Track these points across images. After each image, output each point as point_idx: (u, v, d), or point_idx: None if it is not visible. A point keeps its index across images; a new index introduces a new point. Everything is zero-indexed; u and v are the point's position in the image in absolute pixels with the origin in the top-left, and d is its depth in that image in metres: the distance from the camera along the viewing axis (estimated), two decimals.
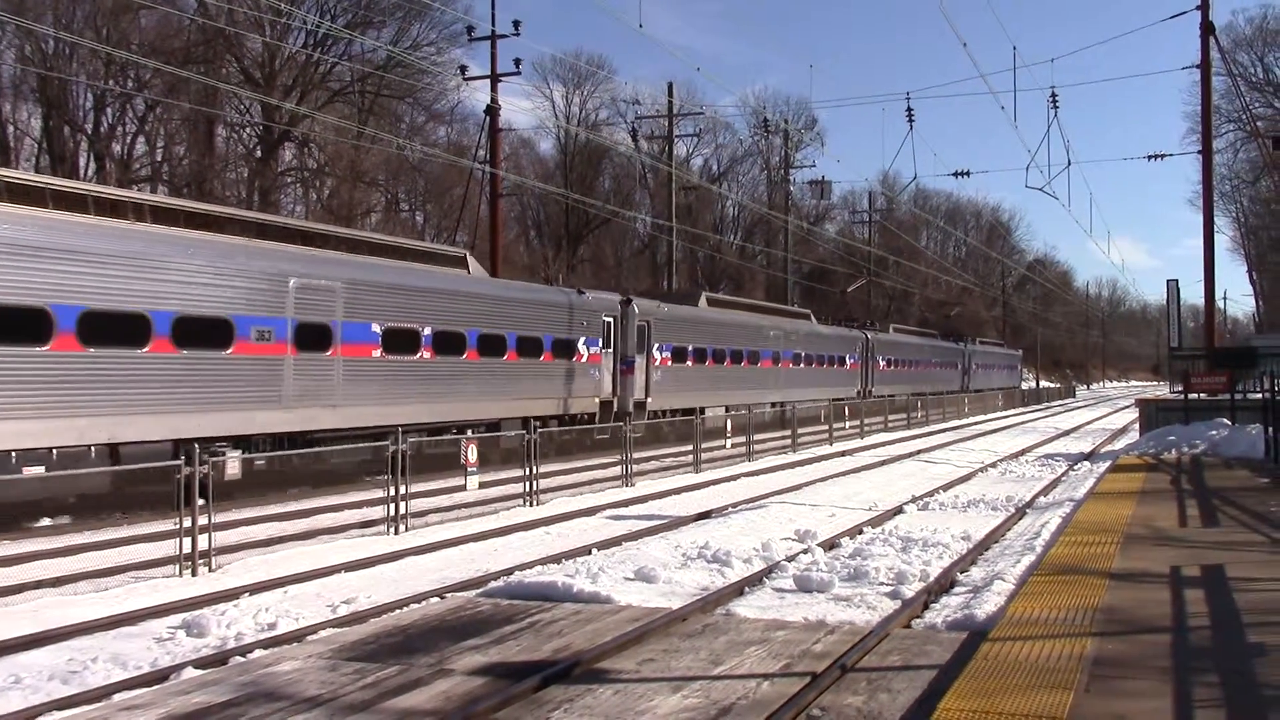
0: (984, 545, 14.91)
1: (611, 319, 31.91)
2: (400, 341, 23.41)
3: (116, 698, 8.04)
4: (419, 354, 23.95)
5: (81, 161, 44.67)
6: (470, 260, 27.41)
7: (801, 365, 45.78)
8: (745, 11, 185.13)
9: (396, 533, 16.48)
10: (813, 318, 50.87)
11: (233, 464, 17.80)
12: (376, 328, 22.70)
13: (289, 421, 20.73)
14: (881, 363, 56.23)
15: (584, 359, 30.22)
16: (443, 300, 24.91)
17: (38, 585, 12.67)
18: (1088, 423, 55.35)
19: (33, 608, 11.33)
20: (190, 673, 8.68)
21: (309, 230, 24.01)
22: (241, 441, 19.70)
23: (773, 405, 41.47)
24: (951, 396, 60.58)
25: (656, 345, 33.84)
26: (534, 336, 28.05)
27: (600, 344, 31.10)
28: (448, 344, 24.82)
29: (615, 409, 31.28)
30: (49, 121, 43.27)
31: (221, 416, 19.35)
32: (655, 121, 56.65)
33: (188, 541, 13.41)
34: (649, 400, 33.36)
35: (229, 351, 19.50)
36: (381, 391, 22.80)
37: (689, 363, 36.30)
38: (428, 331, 24.17)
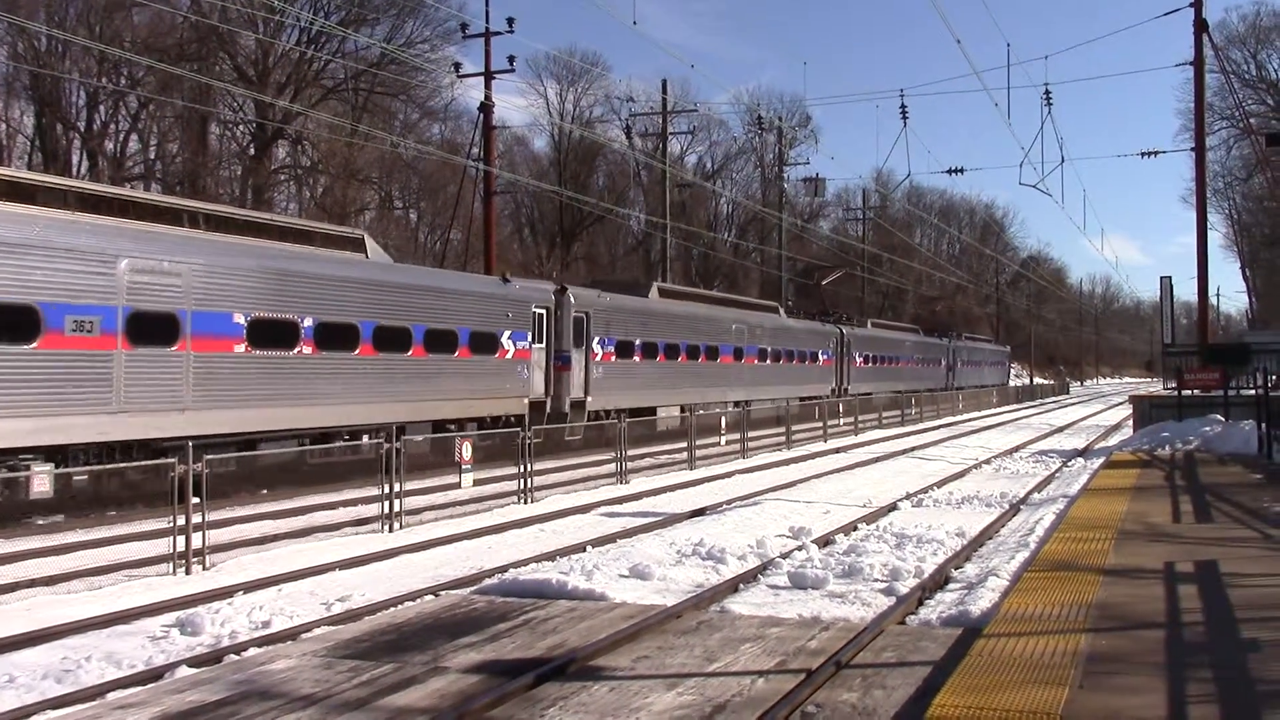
0: (978, 541, 14.93)
1: (543, 310, 28.80)
2: (272, 335, 20.39)
3: (110, 696, 8.03)
4: (297, 349, 20.90)
5: (74, 159, 44.57)
6: (369, 243, 24.34)
7: (768, 361, 43.00)
8: (739, 9, 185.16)
9: (391, 530, 16.48)
10: (781, 311, 47.82)
11: (40, 480, 15.51)
12: (240, 318, 19.67)
13: (121, 428, 17.62)
14: (858, 359, 53.44)
15: (509, 355, 27.12)
16: (329, 288, 21.77)
17: (31, 584, 12.65)
18: (1081, 419, 55.43)
19: (26, 606, 11.31)
20: (184, 671, 8.67)
21: (159, 204, 20.48)
22: (59, 452, 16.95)
23: (735, 405, 37.52)
24: (940, 394, 59.30)
25: (597, 339, 30.93)
26: (446, 330, 25.00)
27: (530, 338, 27.99)
28: (335, 338, 21.81)
29: (548, 410, 28.72)
30: (42, 119, 43.17)
31: (24, 423, 16.23)
32: (649, 119, 56.76)
33: (181, 540, 13.39)
34: (589, 400, 30.54)
35: (33, 346, 16.43)
36: (247, 392, 19.82)
37: (637, 358, 33.25)
38: (309, 323, 21.15)
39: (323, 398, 21.48)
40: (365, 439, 22.12)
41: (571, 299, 29.99)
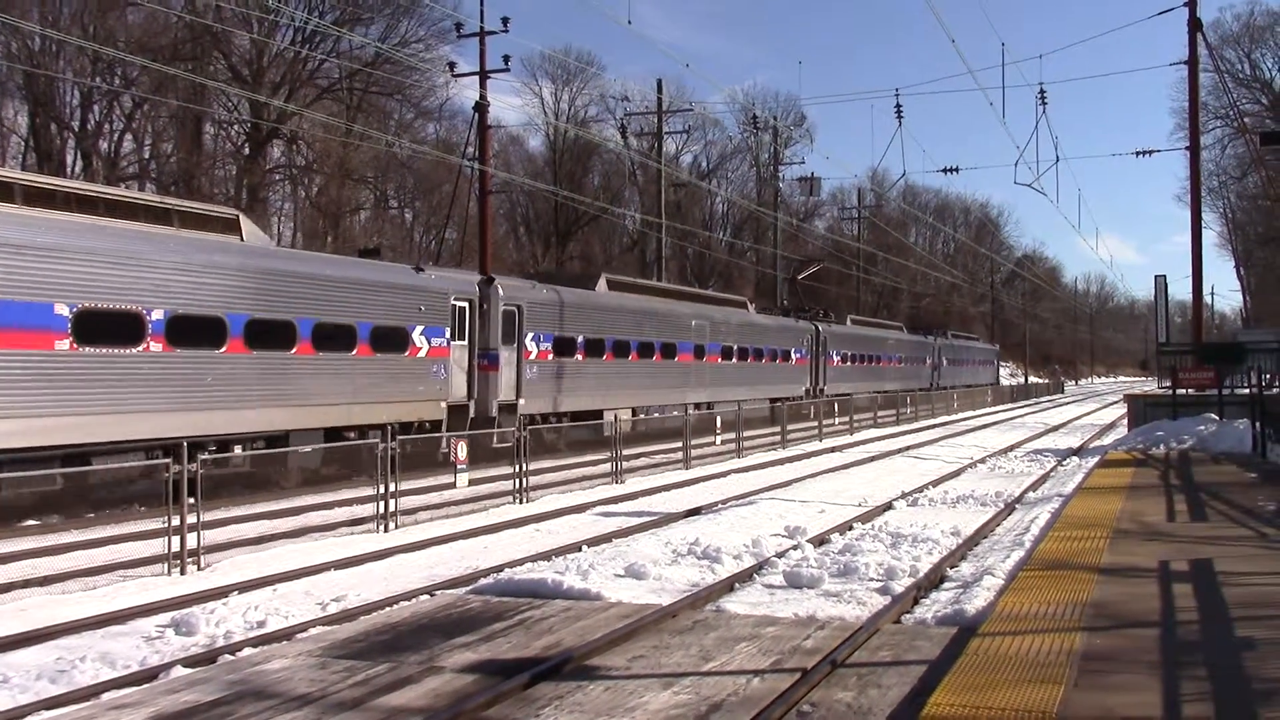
0: (973, 540, 14.95)
1: (465, 304, 25.87)
2: (110, 329, 17.59)
3: (105, 697, 8.02)
4: (142, 345, 18.03)
5: (69, 159, 44.45)
6: (245, 223, 21.44)
7: (734, 360, 39.94)
8: (734, 8, 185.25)
9: (386, 530, 16.47)
10: (750, 306, 45.06)
11: None
12: (63, 309, 16.82)
13: None
14: (835, 358, 50.47)
15: (422, 353, 24.25)
16: (187, 275, 18.87)
17: (25, 584, 12.63)
18: (1076, 418, 55.49)
19: (20, 607, 11.29)
20: (179, 671, 8.67)
21: None
22: None
23: (696, 407, 34.96)
24: (925, 394, 57.83)
25: (532, 336, 28.08)
26: (341, 324, 22.14)
27: (449, 334, 25.12)
28: (195, 332, 18.94)
29: (472, 414, 25.91)
30: (35, 119, 43.04)
31: None
32: (644, 118, 56.75)
33: (176, 540, 13.38)
34: (521, 402, 27.62)
35: None
36: (77, 396, 17.03)
37: (579, 356, 30.36)
38: (158, 316, 18.23)
39: (178, 403, 18.63)
40: (238, 450, 19.91)
41: (500, 291, 27.23)
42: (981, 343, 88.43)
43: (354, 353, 22.51)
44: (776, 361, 44.07)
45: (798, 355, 46.22)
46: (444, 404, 25.03)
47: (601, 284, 33.51)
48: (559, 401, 29.47)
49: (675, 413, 33.22)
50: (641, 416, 27.71)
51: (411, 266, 25.72)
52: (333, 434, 21.89)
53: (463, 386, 25.91)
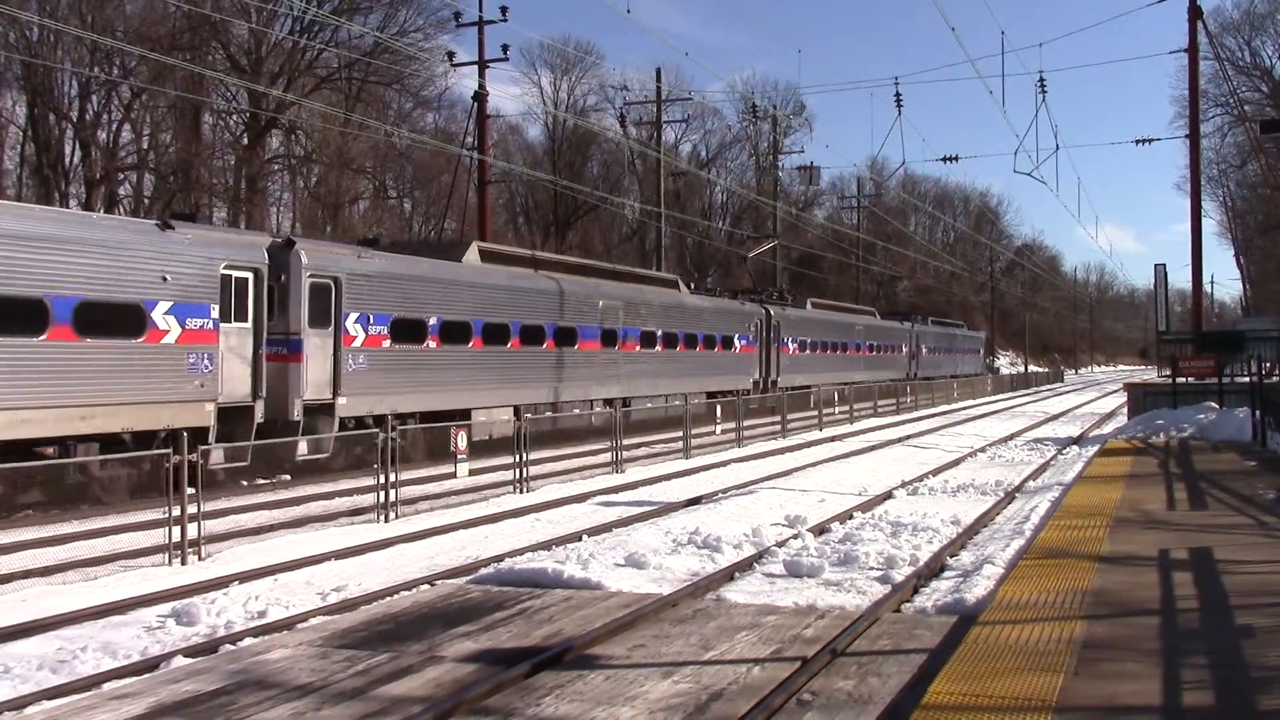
0: (973, 529, 14.95)
1: (248, 274, 20.35)
2: None
3: (106, 687, 8.03)
4: None
5: (67, 149, 44.43)
6: None
7: (657, 348, 34.65)
8: None
9: (387, 520, 16.48)
10: (682, 285, 39.58)
11: None
12: None
13: None
14: (791, 345, 45.41)
15: (169, 338, 18.86)
16: None
17: (26, 574, 12.65)
18: (1076, 407, 55.51)
19: (21, 597, 11.30)
20: (180, 661, 8.67)
21: None
22: None
23: (608, 404, 29.45)
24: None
25: (357, 317, 22.67)
26: (25, 298, 16.69)
27: (216, 314, 19.64)
28: None
29: (260, 418, 20.54)
30: (34, 109, 42.98)
31: None
32: (643, 107, 56.52)
33: (177, 530, 13.38)
34: (341, 402, 22.22)
35: None
36: None
37: (431, 343, 24.88)
38: None
39: None
40: None
41: (303, 258, 21.57)
42: (965, 329, 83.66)
43: (42, 337, 16.95)
44: (715, 350, 38.67)
45: (743, 342, 40.85)
46: (211, 406, 19.58)
47: (471, 254, 27.70)
48: (400, 399, 23.72)
49: (577, 410, 29.02)
50: (531, 417, 22.45)
51: (156, 222, 20.52)
52: (23, 453, 16.58)
53: (243, 382, 20.30)
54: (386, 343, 23.56)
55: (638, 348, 33.54)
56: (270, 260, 20.90)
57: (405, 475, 18.16)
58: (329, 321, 22.14)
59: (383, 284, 23.66)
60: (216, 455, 18.57)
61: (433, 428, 23.40)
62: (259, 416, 20.55)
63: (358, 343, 22.78)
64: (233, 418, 20.10)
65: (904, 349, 62.65)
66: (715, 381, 38.28)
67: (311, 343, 21.71)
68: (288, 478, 21.36)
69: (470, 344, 26.16)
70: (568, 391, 29.84)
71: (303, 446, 20.95)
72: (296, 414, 21.29)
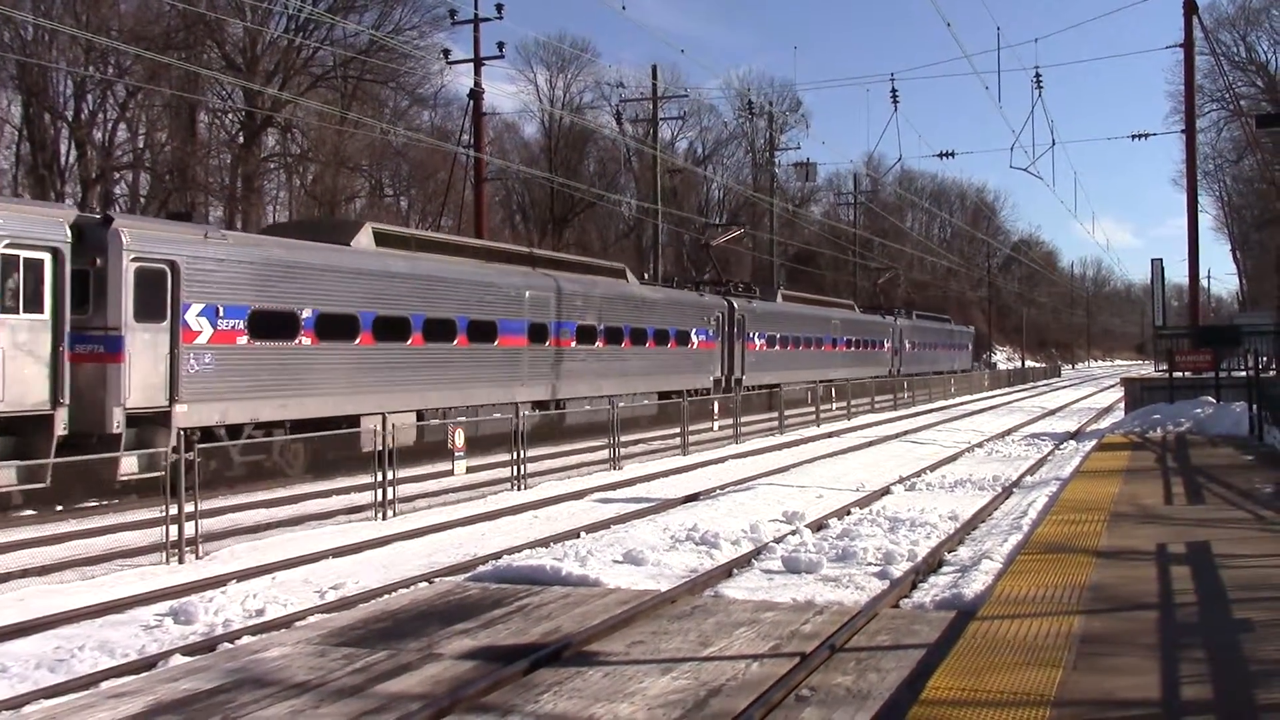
0: (971, 525, 14.96)
1: (46, 255, 16.96)
2: None
3: (104, 685, 8.02)
4: None
5: (62, 148, 44.34)
6: None
7: (597, 344, 31.05)
8: None
9: (385, 518, 16.47)
10: (630, 275, 35.59)
11: None
12: None
13: None
14: (757, 341, 41.97)
15: None
16: None
17: (24, 573, 12.63)
18: (1073, 402, 55.56)
19: (19, 596, 11.30)
20: (178, 660, 8.67)
21: None
22: None
23: (537, 408, 27.05)
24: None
25: (202, 309, 19.26)
26: None
27: None
28: None
29: (63, 429, 17.05)
30: (29, 108, 42.90)
31: None
32: (639, 105, 56.54)
33: (175, 529, 13.37)
34: (180, 409, 18.68)
35: None
36: None
37: (305, 339, 21.26)
38: None
39: None
40: None
41: (125, 239, 18.09)
42: (953, 324, 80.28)
43: None
44: (668, 346, 35.23)
45: (702, 338, 37.36)
46: None
47: (363, 237, 24.06)
48: (264, 406, 20.48)
49: (499, 414, 24.64)
50: (437, 422, 21.32)
51: None
52: None
53: (35, 386, 16.75)
54: (243, 339, 20.06)
55: (574, 344, 29.83)
56: (81, 240, 17.50)
57: (403, 473, 18.15)
58: (163, 314, 18.62)
59: (237, 270, 20.05)
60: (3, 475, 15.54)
61: (312, 438, 20.27)
62: (61, 428, 16.97)
63: (203, 339, 19.28)
64: (23, 430, 16.68)
65: (886, 344, 59.64)
66: (669, 380, 34.82)
67: (138, 339, 18.14)
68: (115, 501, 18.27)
69: (357, 340, 22.54)
70: (485, 393, 26.11)
71: (129, 463, 17.46)
72: (117, 425, 17.63)
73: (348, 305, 22.40)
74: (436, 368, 24.79)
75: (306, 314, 21.38)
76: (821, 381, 42.44)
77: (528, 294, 28.03)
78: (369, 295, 22.92)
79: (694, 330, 36.95)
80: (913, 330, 64.86)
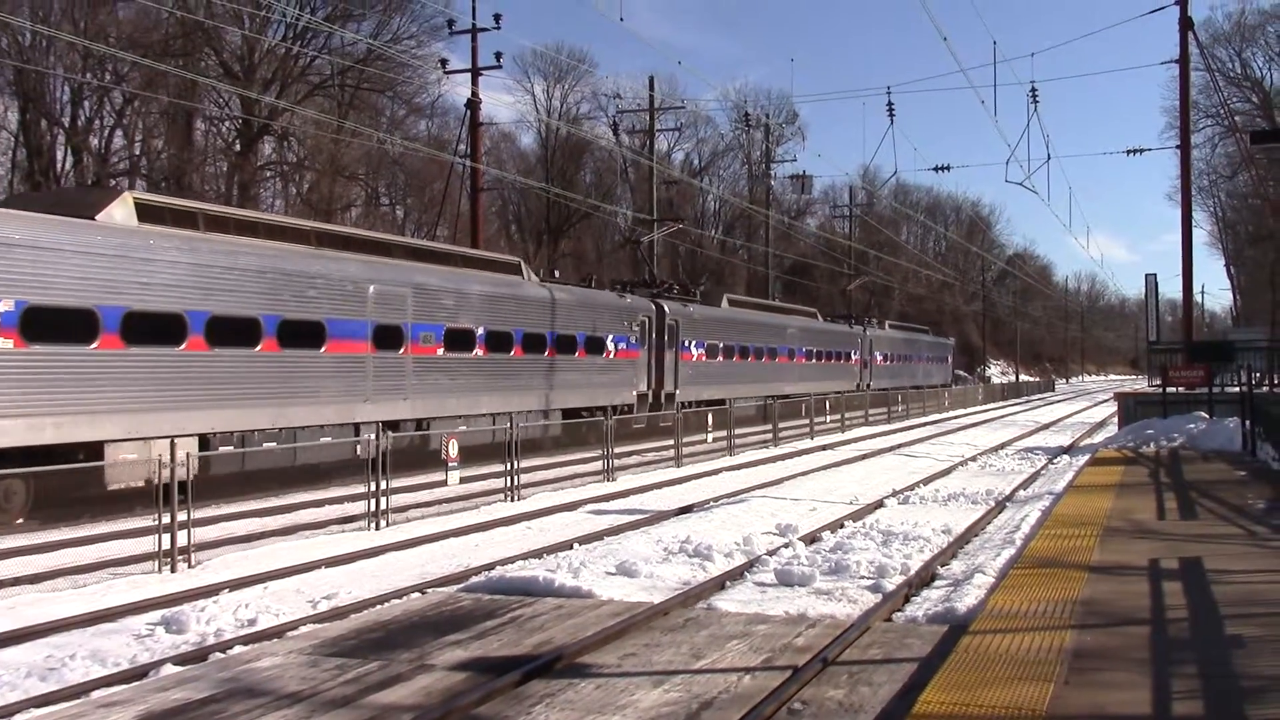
0: (964, 538, 14.97)
1: None
2: None
3: (95, 695, 8.00)
4: None
5: (59, 155, 44.32)
6: None
7: (477, 353, 26.23)
8: (726, 6, 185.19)
9: (378, 528, 16.44)
10: (527, 269, 30.80)
11: None
12: None
13: None
14: (695, 351, 37.61)
15: None
16: None
17: (15, 582, 12.59)
18: (1067, 416, 55.60)
19: (10, 605, 11.25)
20: (169, 669, 8.64)
21: None
22: None
23: (392, 427, 21.52)
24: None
25: None
26: None
27: None
28: None
29: None
30: (25, 115, 42.89)
31: None
32: (636, 116, 56.73)
33: (166, 538, 13.35)
34: None
35: None
36: None
37: (6, 343, 16.48)
38: None
39: None
40: None
41: None
42: (930, 335, 76.14)
43: None
44: (575, 355, 30.67)
45: (620, 345, 32.91)
46: None
47: (118, 210, 19.11)
48: (37, 427, 16.70)
49: (328, 439, 21.35)
50: (231, 450, 18.72)
51: None
52: None
53: None
54: (28, 344, 16.59)
55: (441, 351, 25.02)
56: None
57: (396, 483, 18.13)
58: None
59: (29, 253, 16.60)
60: None
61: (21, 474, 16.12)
62: None
63: None
64: None
65: (853, 356, 55.33)
66: (575, 396, 30.33)
67: None
68: None
69: (94, 344, 17.72)
70: (308, 412, 21.51)
71: None
72: None
73: (78, 299, 17.46)
74: (230, 381, 19.81)
75: (4, 309, 16.43)
76: (774, 398, 38.23)
77: (373, 289, 23.01)
78: (113, 286, 17.98)
79: (610, 337, 32.40)
80: (884, 341, 61.00)
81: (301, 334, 21.42)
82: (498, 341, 27.05)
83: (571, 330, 30.37)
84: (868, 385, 54.96)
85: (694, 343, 37.60)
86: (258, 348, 20.48)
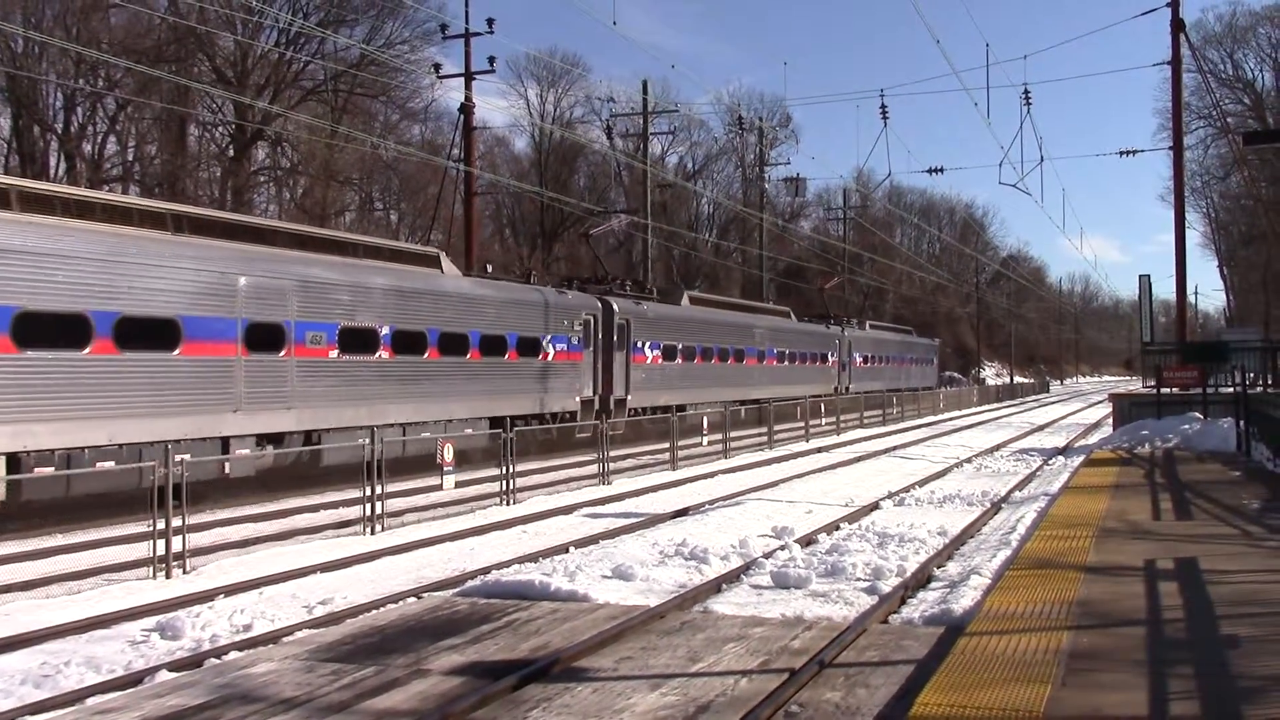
0: (960, 540, 14.97)
1: None
2: None
3: (90, 701, 7.97)
4: None
5: (52, 161, 44.25)
6: None
7: (381, 355, 23.05)
8: (719, 10, 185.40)
9: (373, 533, 16.42)
10: (447, 261, 27.07)
11: None
12: None
13: None
14: (650, 353, 34.55)
15: None
16: None
17: (9, 589, 12.56)
18: (1061, 418, 55.67)
19: (4, 611, 11.23)
20: (165, 675, 8.62)
21: None
22: None
23: (269, 440, 20.48)
24: (833, 401, 45.32)
25: None
26: None
27: None
28: None
29: None
30: (18, 121, 42.83)
31: None
32: (630, 119, 56.73)
33: (161, 543, 13.32)
34: None
35: None
36: None
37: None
38: None
39: None
40: None
41: None
42: (914, 336, 72.98)
43: None
44: (505, 357, 27.34)
45: (560, 347, 29.70)
46: None
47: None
48: None
49: (153, 462, 14.98)
50: (53, 473, 16.52)
51: None
52: None
53: None
54: None
55: (334, 353, 21.94)
56: None
57: (392, 487, 18.11)
58: None
59: None
60: None
61: None
62: None
63: None
64: None
65: (830, 358, 52.21)
66: (505, 403, 27.05)
67: None
68: None
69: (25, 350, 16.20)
70: (152, 425, 18.22)
71: None
72: None
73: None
74: (50, 390, 16.80)
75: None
76: (740, 403, 35.94)
77: (244, 282, 19.95)
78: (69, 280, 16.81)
79: (547, 338, 29.18)
80: (864, 342, 58.01)
81: (147, 333, 18.38)
82: (408, 342, 24.05)
83: (500, 330, 27.27)
84: (846, 388, 52.37)
85: (648, 344, 34.69)
86: (87, 350, 17.39)
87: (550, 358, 29.31)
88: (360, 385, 22.62)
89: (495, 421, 25.44)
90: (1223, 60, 68.54)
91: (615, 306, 32.86)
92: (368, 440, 17.50)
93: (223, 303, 19.58)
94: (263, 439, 20.47)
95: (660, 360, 35.35)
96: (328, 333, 21.91)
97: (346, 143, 50.06)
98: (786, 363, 46.37)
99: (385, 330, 23.34)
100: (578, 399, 30.48)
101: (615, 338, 32.55)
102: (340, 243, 24.60)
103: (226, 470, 19.42)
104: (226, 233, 21.04)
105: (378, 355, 23.12)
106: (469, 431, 24.91)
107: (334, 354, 22.01)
